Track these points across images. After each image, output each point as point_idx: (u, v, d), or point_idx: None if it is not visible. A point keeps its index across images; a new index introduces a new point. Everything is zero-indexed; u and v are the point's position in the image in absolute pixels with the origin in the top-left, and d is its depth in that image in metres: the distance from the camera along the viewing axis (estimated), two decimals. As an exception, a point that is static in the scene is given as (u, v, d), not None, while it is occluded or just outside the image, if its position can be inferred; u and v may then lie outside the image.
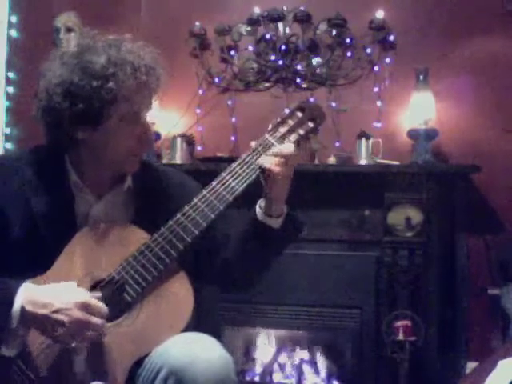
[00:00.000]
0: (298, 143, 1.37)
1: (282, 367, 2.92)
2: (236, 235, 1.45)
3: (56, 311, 1.18)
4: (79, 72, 1.26)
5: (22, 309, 1.19)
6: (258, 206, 1.40)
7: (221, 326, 2.81)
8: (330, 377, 2.87)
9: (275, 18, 3.05)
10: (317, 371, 2.89)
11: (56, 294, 1.20)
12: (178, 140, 3.02)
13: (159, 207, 1.38)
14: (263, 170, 1.31)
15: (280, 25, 3.07)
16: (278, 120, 1.38)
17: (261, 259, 1.43)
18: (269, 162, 1.31)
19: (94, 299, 1.22)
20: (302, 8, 3.04)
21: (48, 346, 1.23)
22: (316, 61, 3.07)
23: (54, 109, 1.28)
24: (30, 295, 1.20)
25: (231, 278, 1.47)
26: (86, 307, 1.19)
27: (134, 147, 1.33)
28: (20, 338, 1.21)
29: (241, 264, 1.43)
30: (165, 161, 3.01)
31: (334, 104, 3.01)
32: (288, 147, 1.33)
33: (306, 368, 2.90)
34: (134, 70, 1.27)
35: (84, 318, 1.18)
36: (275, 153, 1.32)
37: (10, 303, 1.19)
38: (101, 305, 1.21)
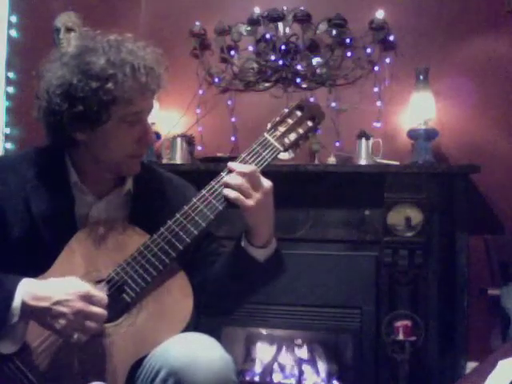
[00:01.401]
0: (297, 142, 1.37)
1: (281, 367, 2.92)
2: (221, 259, 1.43)
3: (57, 303, 1.18)
4: (79, 73, 1.25)
5: (23, 304, 1.18)
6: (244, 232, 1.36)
7: (221, 325, 2.82)
8: (330, 377, 2.87)
9: (275, 17, 3.05)
10: (317, 371, 2.89)
11: (56, 286, 1.20)
12: (178, 140, 3.02)
13: (157, 211, 1.37)
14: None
15: (280, 25, 3.08)
16: (278, 119, 1.37)
17: (237, 288, 1.39)
18: (233, 192, 1.28)
19: (93, 289, 1.22)
20: (302, 8, 3.04)
21: (48, 347, 1.23)
22: (316, 61, 3.07)
23: (53, 110, 1.27)
24: (29, 289, 1.20)
25: (204, 301, 1.39)
26: (86, 297, 1.19)
27: (133, 148, 1.32)
28: (19, 335, 1.21)
29: (215, 288, 1.39)
30: (165, 161, 3.01)
31: (333, 104, 3.01)
32: (247, 167, 1.29)
33: (306, 368, 2.90)
34: (133, 70, 1.26)
35: (85, 309, 1.18)
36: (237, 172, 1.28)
37: (10, 299, 1.18)
38: (101, 294, 1.21)
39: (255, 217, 1.30)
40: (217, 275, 1.40)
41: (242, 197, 1.27)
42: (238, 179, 1.28)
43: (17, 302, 1.18)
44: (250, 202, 1.27)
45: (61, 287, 1.20)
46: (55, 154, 1.37)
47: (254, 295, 1.43)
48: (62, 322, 1.17)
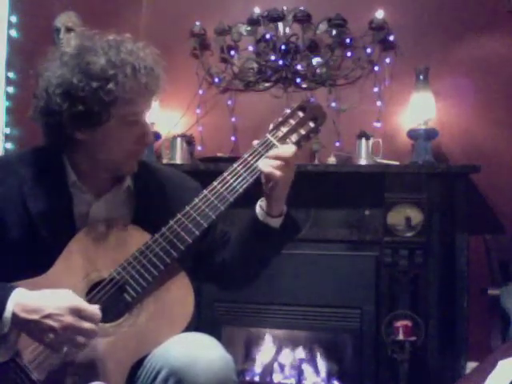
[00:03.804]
0: (298, 143, 1.37)
1: (281, 367, 2.92)
2: (236, 234, 1.46)
3: (47, 316, 1.16)
4: (79, 73, 1.24)
5: (13, 315, 1.17)
6: (258, 206, 1.40)
7: (221, 325, 2.83)
8: (330, 377, 2.87)
9: (275, 17, 3.05)
10: (317, 371, 2.89)
11: (48, 299, 1.19)
12: (178, 140, 3.02)
13: (159, 207, 1.37)
14: (264, 173, 1.31)
15: (280, 25, 3.08)
16: (280, 120, 1.37)
17: (259, 258, 1.44)
18: (269, 165, 1.31)
19: (86, 304, 1.20)
20: (301, 8, 3.04)
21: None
22: (316, 61, 3.07)
23: (53, 109, 1.27)
24: (21, 300, 1.19)
25: (230, 276, 1.48)
26: (77, 312, 1.17)
27: (132, 148, 1.32)
28: (11, 344, 1.20)
29: (240, 262, 1.44)
30: (165, 161, 3.01)
31: (333, 104, 3.01)
32: (288, 149, 1.33)
33: (306, 368, 2.90)
34: (134, 71, 1.26)
35: (75, 324, 1.16)
36: (275, 155, 1.32)
37: (2, 310, 1.17)
38: (93, 310, 1.20)
39: (279, 192, 1.34)
40: (235, 252, 1.44)
41: (278, 172, 1.30)
42: (277, 162, 1.31)
43: (8, 313, 1.17)
44: (282, 179, 1.31)
45: (52, 300, 1.18)
46: (53, 154, 1.37)
47: (276, 257, 1.46)
48: (51, 335, 1.16)
